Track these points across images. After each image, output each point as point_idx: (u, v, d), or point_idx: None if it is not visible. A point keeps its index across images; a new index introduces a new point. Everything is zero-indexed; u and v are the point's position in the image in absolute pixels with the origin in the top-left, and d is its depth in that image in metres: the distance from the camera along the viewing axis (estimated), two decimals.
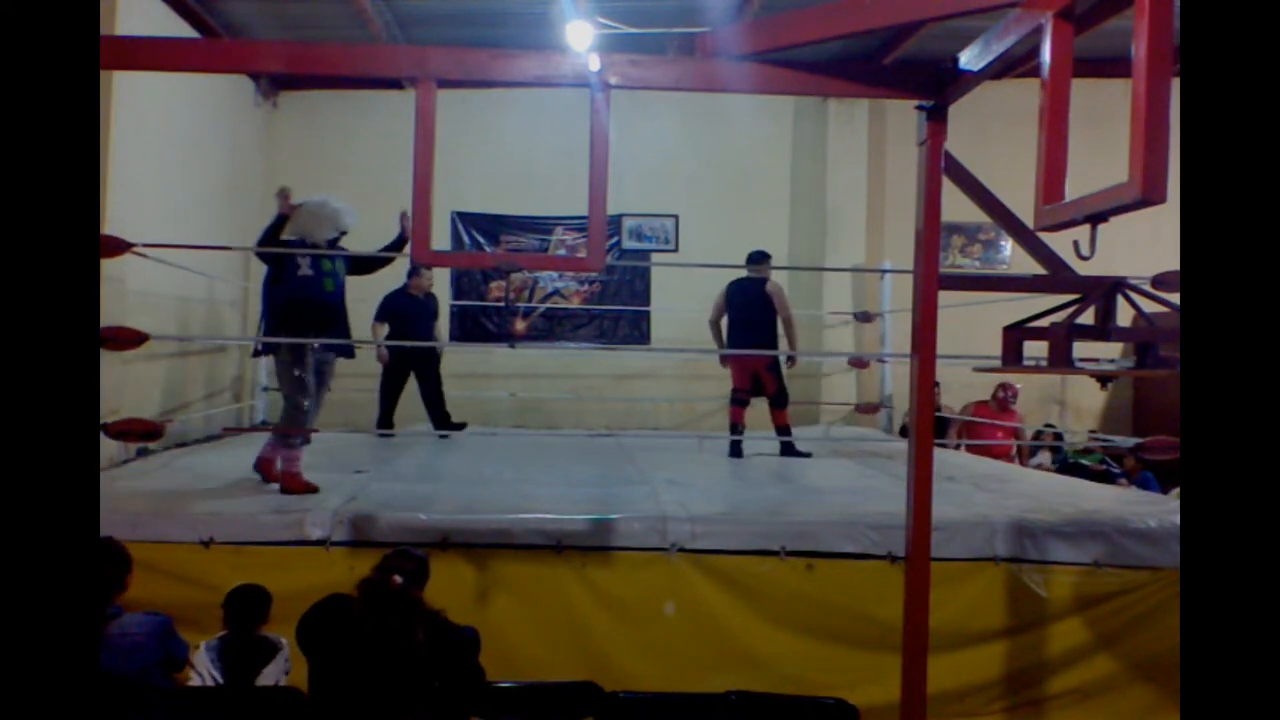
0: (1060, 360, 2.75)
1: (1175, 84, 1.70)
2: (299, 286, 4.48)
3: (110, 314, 4.99)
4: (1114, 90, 3.42)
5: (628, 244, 8.60)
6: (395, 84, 7.37)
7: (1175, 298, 2.84)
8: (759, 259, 6.26)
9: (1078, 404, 8.55)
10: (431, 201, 2.80)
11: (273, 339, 4.45)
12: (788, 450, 6.12)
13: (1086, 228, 2.18)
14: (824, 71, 3.04)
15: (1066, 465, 6.95)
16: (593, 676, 3.01)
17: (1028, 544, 3.78)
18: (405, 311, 6.73)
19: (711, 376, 7.11)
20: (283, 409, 4.54)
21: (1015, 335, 2.91)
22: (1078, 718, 3.73)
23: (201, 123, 7.26)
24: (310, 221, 4.50)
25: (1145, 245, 6.44)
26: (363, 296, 5.75)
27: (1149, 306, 3.05)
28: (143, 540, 3.49)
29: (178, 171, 6.82)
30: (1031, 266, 3.12)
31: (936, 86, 2.87)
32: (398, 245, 4.91)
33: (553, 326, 8.68)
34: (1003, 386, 7.22)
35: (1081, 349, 2.77)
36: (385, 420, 6.75)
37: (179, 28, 6.63)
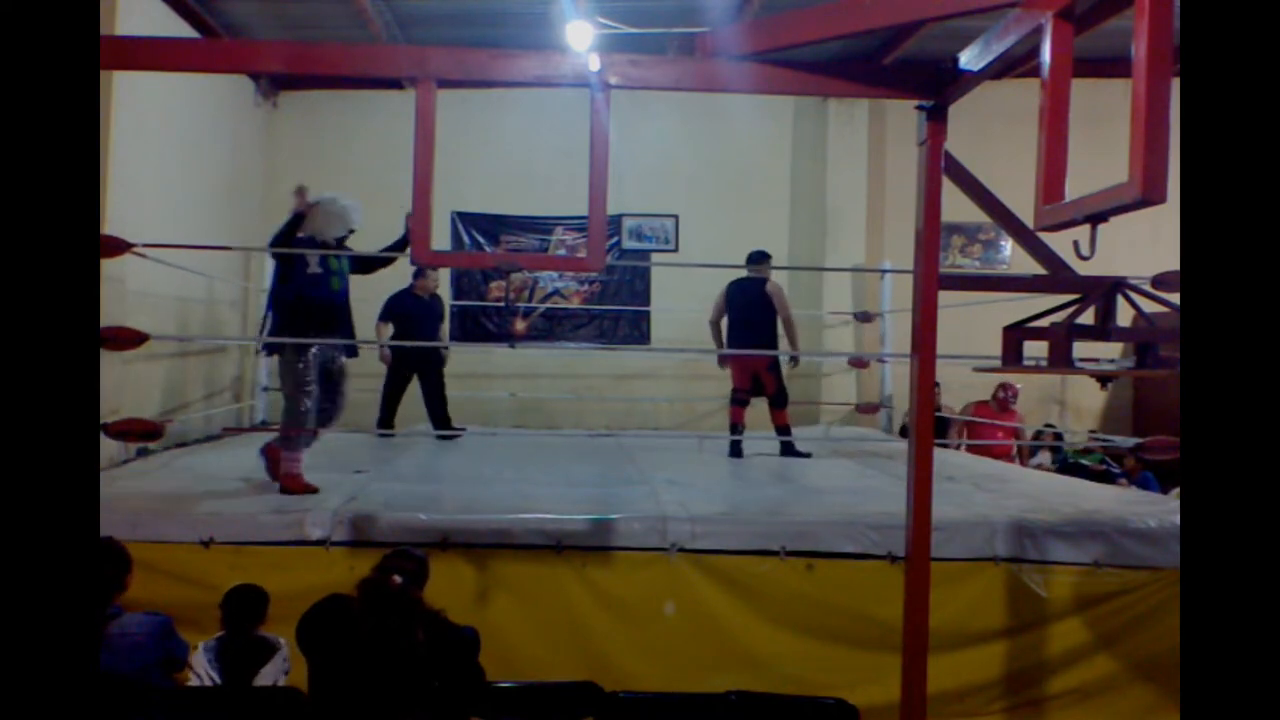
0: (1060, 360, 2.75)
1: (1175, 84, 1.70)
2: (307, 285, 4.48)
3: (110, 314, 4.98)
4: (1114, 90, 3.42)
5: (628, 244, 8.60)
6: (395, 84, 7.37)
7: (1175, 298, 2.84)
8: (759, 259, 6.26)
9: (1078, 404, 8.55)
10: (431, 201, 2.80)
11: (278, 339, 4.45)
12: (788, 450, 6.11)
13: (1086, 228, 2.18)
14: (824, 71, 3.04)
15: (1066, 465, 6.95)
16: (593, 676, 3.01)
17: (1028, 544, 3.78)
18: (410, 312, 6.72)
19: (711, 376, 7.11)
20: (284, 409, 4.54)
21: (1015, 335, 2.91)
22: (1078, 718, 3.73)
23: (201, 123, 7.26)
24: (323, 220, 4.51)
25: (1145, 245, 6.44)
26: (364, 296, 5.74)
27: (1149, 306, 3.04)
28: (143, 540, 3.49)
29: (178, 171, 6.82)
30: (1031, 266, 3.12)
31: (936, 86, 2.87)
32: (400, 246, 4.91)
33: (553, 326, 8.68)
34: (1003, 386, 7.22)
35: (1081, 349, 2.76)
36: (386, 420, 6.74)
37: (179, 28, 6.63)
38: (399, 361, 6.72)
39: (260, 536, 3.73)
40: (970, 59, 2.74)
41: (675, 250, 8.58)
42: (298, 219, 4.46)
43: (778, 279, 6.37)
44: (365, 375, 6.44)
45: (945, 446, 6.76)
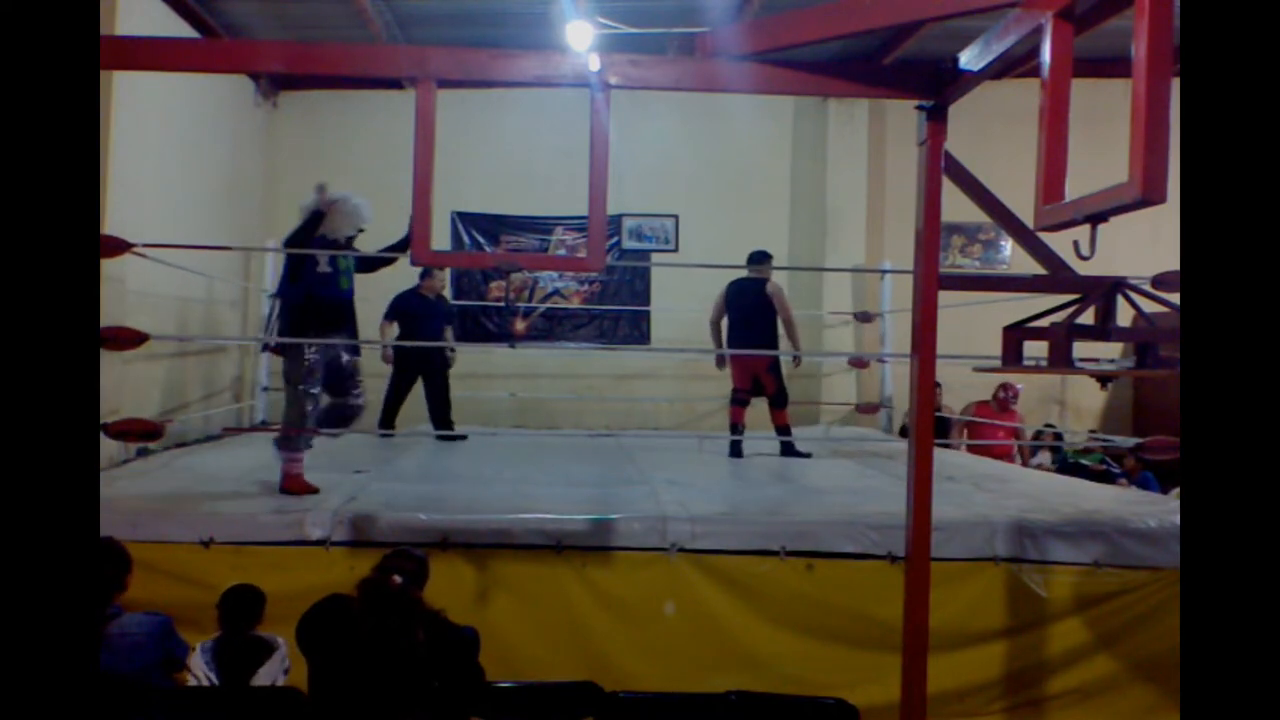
0: (1060, 360, 2.75)
1: (1175, 84, 1.70)
2: (317, 284, 4.47)
3: (110, 314, 4.98)
4: (1114, 90, 3.42)
5: (628, 244, 8.59)
6: (395, 84, 7.36)
7: (1175, 298, 2.84)
8: (760, 259, 6.25)
9: (1078, 404, 8.55)
10: (431, 201, 2.80)
11: (285, 339, 4.44)
12: (788, 450, 6.11)
13: (1086, 228, 2.18)
14: (824, 71, 3.05)
15: (1066, 465, 6.95)
16: (593, 676, 3.00)
17: (1028, 544, 3.78)
18: (416, 312, 6.70)
19: (711, 376, 7.11)
20: (285, 408, 4.53)
21: (1015, 335, 2.91)
22: (1078, 718, 3.73)
23: (201, 123, 7.26)
24: (339, 218, 4.52)
25: (1145, 245, 6.43)
26: (365, 296, 5.74)
27: (1149, 306, 3.04)
28: (143, 540, 3.49)
29: (178, 171, 6.82)
30: (1031, 266, 3.12)
31: (936, 86, 2.87)
32: (402, 246, 4.90)
33: (553, 326, 8.68)
34: (1004, 387, 7.22)
35: (1081, 349, 2.76)
36: (387, 421, 6.74)
37: (179, 28, 6.63)
38: (404, 362, 6.70)
39: (260, 536, 3.73)
40: (970, 59, 2.74)
41: (675, 250, 8.58)
42: (318, 217, 4.47)
43: (778, 279, 6.37)
44: (369, 375, 6.43)
45: (945, 446, 6.76)
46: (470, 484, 4.79)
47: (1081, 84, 2.27)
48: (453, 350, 7.05)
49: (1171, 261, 2.22)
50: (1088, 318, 2.86)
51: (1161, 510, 4.12)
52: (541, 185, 8.32)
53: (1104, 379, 3.13)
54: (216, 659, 2.97)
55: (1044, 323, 2.90)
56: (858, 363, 8.14)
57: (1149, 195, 1.87)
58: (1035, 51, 2.35)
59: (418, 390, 6.81)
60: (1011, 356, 2.90)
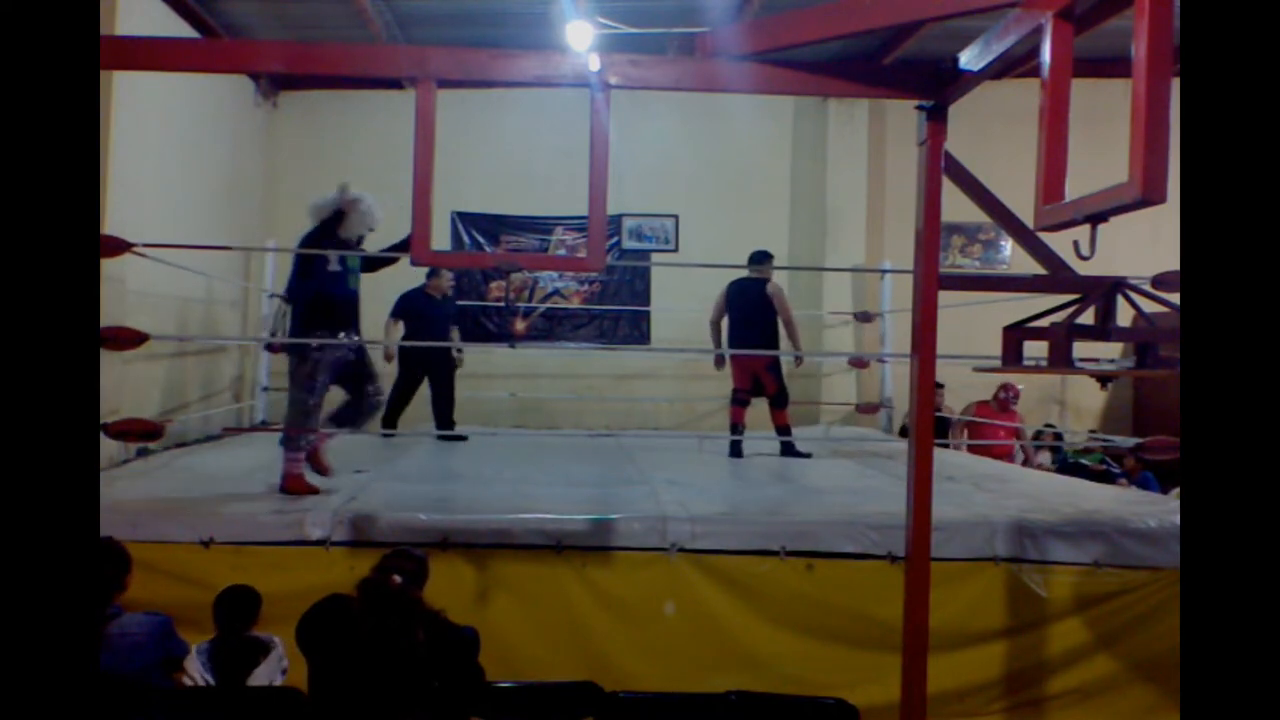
0: (1060, 360, 2.75)
1: (1175, 84, 1.70)
2: (328, 282, 4.48)
3: (110, 314, 4.99)
4: (1114, 90, 3.42)
5: (628, 244, 8.60)
6: (395, 84, 7.37)
7: (1175, 298, 2.84)
8: (761, 259, 6.25)
9: (1078, 404, 8.55)
10: (431, 201, 2.80)
11: (292, 339, 4.44)
12: (788, 450, 6.11)
13: (1086, 228, 2.18)
14: (824, 71, 3.04)
15: (1066, 465, 6.95)
16: (593, 676, 3.00)
17: (1028, 544, 3.78)
18: (423, 312, 6.69)
19: (711, 376, 7.11)
20: (289, 406, 4.52)
21: (1015, 335, 2.91)
22: (1078, 718, 3.73)
23: (201, 123, 7.26)
24: (356, 218, 4.55)
25: (1145, 245, 6.44)
26: (370, 295, 5.73)
27: (1149, 306, 3.04)
28: (143, 540, 3.49)
29: (178, 171, 6.82)
30: (1031, 266, 3.12)
31: (936, 86, 2.87)
32: (405, 246, 4.90)
33: (553, 326, 8.68)
34: (1004, 387, 7.22)
35: (1081, 349, 2.76)
36: (390, 420, 6.72)
37: (179, 28, 6.63)
38: (410, 362, 6.68)
39: (260, 536, 3.73)
40: (970, 59, 2.74)
41: (675, 250, 8.58)
42: (339, 216, 4.49)
43: (778, 279, 6.37)
44: None
45: (945, 447, 6.76)
46: (470, 484, 4.79)
47: (1081, 84, 2.27)
48: (460, 350, 7.04)
49: (1171, 261, 2.22)
50: (1088, 318, 2.86)
51: (1161, 510, 4.12)
52: (541, 185, 8.32)
53: (1104, 379, 3.13)
54: (212, 660, 2.97)
55: (1044, 323, 2.90)
56: (858, 363, 8.14)
57: (1149, 195, 1.87)
58: (1035, 51, 2.35)
59: (420, 390, 6.81)
60: (1011, 356, 2.90)
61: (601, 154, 2.82)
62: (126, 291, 5.71)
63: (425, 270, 6.54)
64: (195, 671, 2.95)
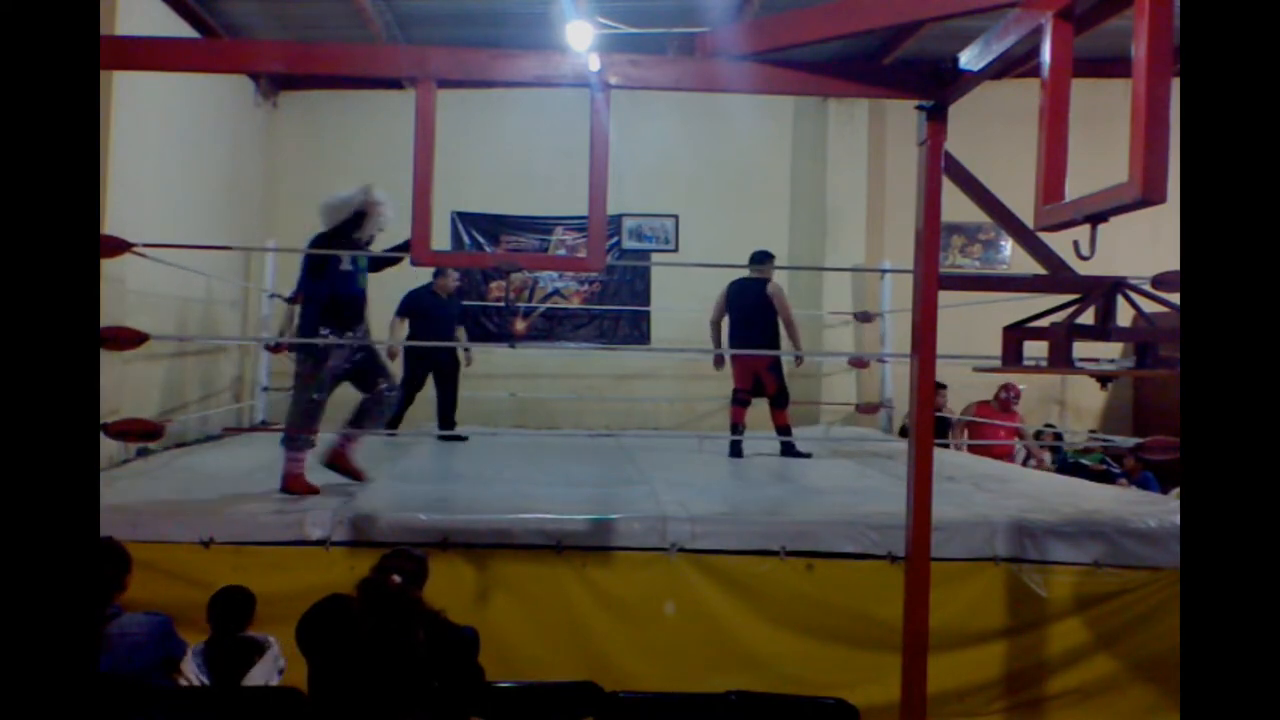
0: (1060, 360, 2.75)
1: (1175, 84, 1.70)
2: (340, 281, 4.49)
3: (110, 314, 4.98)
4: (1114, 90, 3.42)
5: (628, 244, 8.60)
6: (395, 84, 7.37)
7: (1175, 298, 2.84)
8: (762, 259, 6.25)
9: (1078, 404, 8.55)
10: (431, 201, 2.80)
11: (299, 339, 4.45)
12: (788, 450, 6.12)
13: (1086, 228, 2.18)
14: (824, 71, 3.04)
15: (1066, 465, 6.95)
16: (593, 676, 3.00)
17: (1028, 544, 3.78)
18: (429, 310, 6.67)
19: (711, 376, 7.10)
20: (291, 406, 4.51)
21: (1015, 335, 2.91)
22: (1078, 718, 3.73)
23: (201, 123, 7.26)
24: (374, 220, 4.58)
25: (1145, 245, 6.44)
26: (377, 293, 5.72)
27: (1149, 306, 3.04)
28: (143, 540, 3.49)
29: (178, 171, 6.82)
30: (1031, 266, 3.12)
31: (936, 86, 2.87)
32: (408, 246, 4.89)
33: (553, 326, 8.68)
34: (1005, 387, 7.22)
35: (1081, 349, 2.76)
36: (394, 420, 6.69)
37: (179, 28, 6.63)
38: (416, 361, 6.67)
39: (260, 536, 3.73)
40: (970, 59, 2.74)
41: (675, 250, 8.58)
42: (359, 217, 4.52)
43: (778, 279, 6.36)
44: None
45: (946, 447, 6.76)
46: (470, 484, 4.79)
47: (1081, 84, 2.28)
48: (467, 349, 7.02)
49: (1171, 261, 2.22)
50: (1088, 318, 2.86)
51: (1161, 510, 4.12)
52: (541, 185, 8.32)
53: (1104, 379, 3.13)
54: (207, 661, 2.97)
55: (1044, 323, 2.90)
56: (858, 363, 8.14)
57: (1149, 195, 1.87)
58: (1035, 51, 2.35)
59: (423, 390, 6.80)
60: (1011, 356, 2.90)
61: (601, 154, 2.82)
62: (126, 291, 5.71)
63: (432, 269, 6.53)
64: (190, 672, 2.94)
